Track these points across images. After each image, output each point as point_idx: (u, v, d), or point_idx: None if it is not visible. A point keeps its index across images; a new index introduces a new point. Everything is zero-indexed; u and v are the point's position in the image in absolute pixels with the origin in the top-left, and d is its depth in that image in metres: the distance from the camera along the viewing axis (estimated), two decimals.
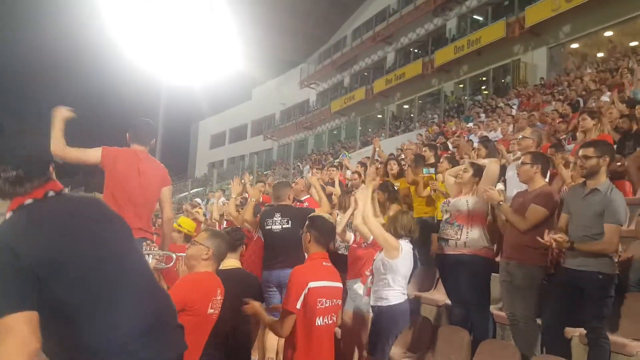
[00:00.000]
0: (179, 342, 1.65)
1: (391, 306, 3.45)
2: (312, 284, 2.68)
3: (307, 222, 2.94)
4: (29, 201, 1.45)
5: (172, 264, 2.92)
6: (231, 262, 3.30)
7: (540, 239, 3.10)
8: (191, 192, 28.64)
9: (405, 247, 3.53)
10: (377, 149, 8.07)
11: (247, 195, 7.28)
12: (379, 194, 4.82)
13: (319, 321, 2.68)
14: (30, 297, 1.31)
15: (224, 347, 2.93)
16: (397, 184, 5.85)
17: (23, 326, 1.27)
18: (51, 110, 2.97)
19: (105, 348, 1.41)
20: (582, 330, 3.23)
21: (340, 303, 2.91)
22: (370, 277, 3.61)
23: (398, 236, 3.55)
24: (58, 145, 2.93)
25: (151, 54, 20.45)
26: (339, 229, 4.11)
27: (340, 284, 2.91)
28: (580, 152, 3.28)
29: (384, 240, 3.47)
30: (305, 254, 3.00)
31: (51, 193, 1.50)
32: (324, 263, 2.85)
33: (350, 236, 4.34)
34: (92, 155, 3.12)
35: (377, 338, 3.48)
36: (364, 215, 3.56)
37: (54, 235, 1.42)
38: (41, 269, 1.34)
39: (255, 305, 2.83)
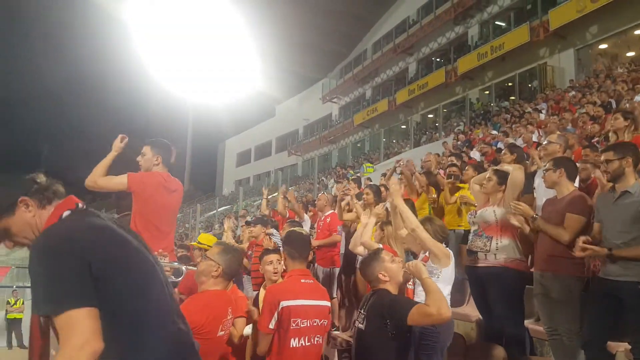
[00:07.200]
0: None
1: None
2: (284, 303, 2.53)
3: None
4: (66, 212, 1.41)
5: (181, 278, 2.85)
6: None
7: (576, 252, 2.93)
8: (219, 210, 28.90)
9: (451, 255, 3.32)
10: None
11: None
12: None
13: (293, 342, 2.52)
14: (92, 294, 1.25)
15: None
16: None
17: (87, 323, 1.20)
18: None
19: None
20: (627, 345, 3.05)
21: (326, 323, 2.68)
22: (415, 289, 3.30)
23: (439, 242, 3.29)
24: (92, 177, 3.08)
25: (176, 76, 21.03)
26: (365, 238, 3.87)
27: (325, 302, 2.68)
28: (602, 157, 3.17)
29: (437, 249, 3.20)
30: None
31: (80, 206, 1.46)
32: (302, 280, 2.67)
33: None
34: (118, 182, 3.15)
35: (433, 351, 3.16)
36: (414, 226, 3.22)
37: (111, 238, 1.38)
38: (100, 270, 1.28)
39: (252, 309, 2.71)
